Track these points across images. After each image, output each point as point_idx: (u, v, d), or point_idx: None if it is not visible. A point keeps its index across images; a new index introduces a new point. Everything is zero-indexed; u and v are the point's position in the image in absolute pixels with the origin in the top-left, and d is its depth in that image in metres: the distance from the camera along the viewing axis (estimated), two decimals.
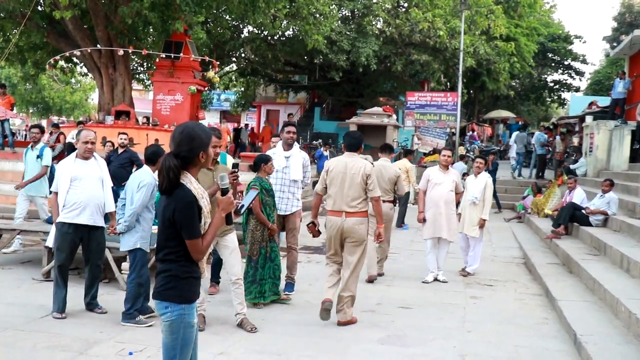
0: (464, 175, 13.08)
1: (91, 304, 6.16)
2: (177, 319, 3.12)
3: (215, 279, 7.29)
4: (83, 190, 5.93)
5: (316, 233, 6.30)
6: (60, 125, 18.35)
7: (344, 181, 6.01)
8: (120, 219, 6.00)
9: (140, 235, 5.90)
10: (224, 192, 3.19)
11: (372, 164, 6.98)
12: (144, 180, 5.83)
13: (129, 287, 5.91)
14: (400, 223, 13.47)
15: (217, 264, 7.21)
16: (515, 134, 21.17)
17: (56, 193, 6.03)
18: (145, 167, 6.03)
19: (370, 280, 8.00)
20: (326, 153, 16.57)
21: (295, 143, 7.40)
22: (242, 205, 3.34)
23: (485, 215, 8.64)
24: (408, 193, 13.61)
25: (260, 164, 6.66)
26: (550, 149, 20.28)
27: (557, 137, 20.45)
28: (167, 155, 3.12)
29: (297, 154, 7.29)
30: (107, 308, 6.19)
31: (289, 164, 7.20)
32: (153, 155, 5.96)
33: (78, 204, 5.91)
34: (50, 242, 7.01)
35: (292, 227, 7.32)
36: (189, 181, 3.09)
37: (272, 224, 6.60)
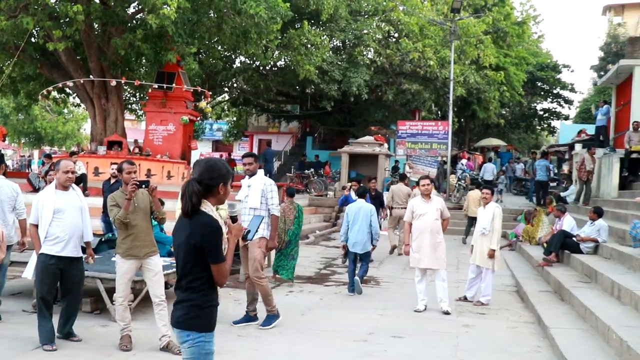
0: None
1: (69, 333, 6.08)
2: (199, 347, 3.21)
3: None
4: (67, 222, 5.83)
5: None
6: (53, 155, 18.38)
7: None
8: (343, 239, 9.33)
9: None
10: (234, 219, 3.32)
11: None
12: (366, 207, 9.31)
13: (362, 270, 9.42)
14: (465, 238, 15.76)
15: None
16: (484, 166, 23.28)
17: (36, 225, 5.87)
18: (360, 199, 9.51)
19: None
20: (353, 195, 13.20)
21: (259, 170, 7.28)
22: (249, 232, 3.46)
23: (494, 245, 8.66)
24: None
25: None
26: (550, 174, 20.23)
27: (585, 154, 16.88)
28: (191, 180, 3.23)
29: (257, 182, 7.15)
30: (100, 339, 6.13)
31: (249, 192, 7.18)
32: (364, 192, 9.84)
33: (62, 237, 5.80)
34: (28, 273, 6.93)
35: (250, 255, 7.04)
36: (210, 209, 3.21)
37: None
